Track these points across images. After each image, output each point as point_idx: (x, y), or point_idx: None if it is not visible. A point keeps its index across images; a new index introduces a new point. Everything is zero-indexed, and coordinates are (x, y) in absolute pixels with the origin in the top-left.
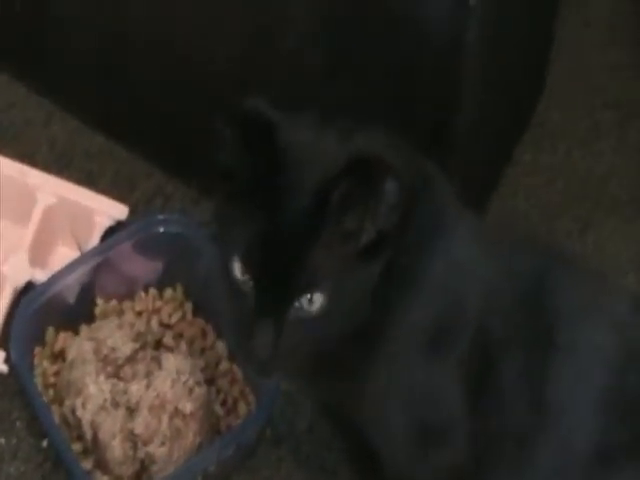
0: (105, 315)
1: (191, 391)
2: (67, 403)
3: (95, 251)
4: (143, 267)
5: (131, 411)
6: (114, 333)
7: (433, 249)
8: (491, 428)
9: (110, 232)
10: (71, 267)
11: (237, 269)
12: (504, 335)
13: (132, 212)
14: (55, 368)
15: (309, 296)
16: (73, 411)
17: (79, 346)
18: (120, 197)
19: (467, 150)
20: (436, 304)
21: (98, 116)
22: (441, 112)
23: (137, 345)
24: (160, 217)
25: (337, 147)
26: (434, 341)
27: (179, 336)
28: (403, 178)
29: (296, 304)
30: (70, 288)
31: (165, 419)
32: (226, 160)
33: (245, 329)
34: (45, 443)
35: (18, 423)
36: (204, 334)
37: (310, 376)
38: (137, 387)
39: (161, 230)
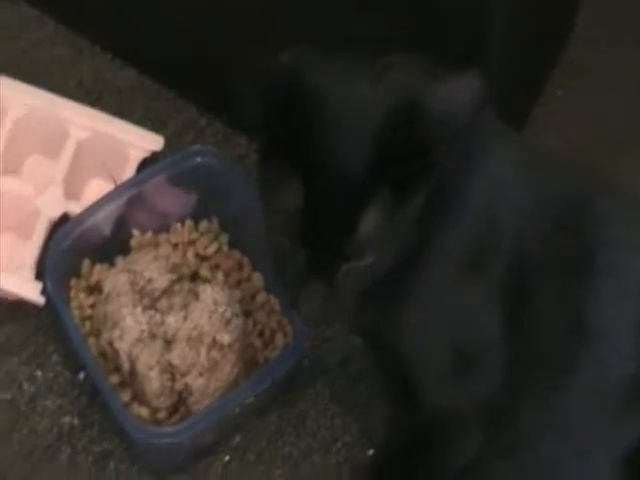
0: (141, 247)
1: (228, 322)
2: (104, 335)
3: (129, 183)
4: (178, 199)
5: (168, 343)
6: (150, 265)
7: (472, 170)
8: (527, 354)
9: (145, 164)
10: (105, 199)
11: (283, 233)
12: (542, 259)
13: (166, 147)
14: (91, 300)
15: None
16: (110, 343)
17: (115, 278)
18: (151, 132)
19: (497, 83)
20: (474, 225)
21: (129, 49)
22: (470, 43)
23: (173, 277)
24: (195, 149)
25: (373, 91)
26: (471, 263)
27: (215, 268)
28: (449, 109)
29: (346, 265)
30: (105, 220)
31: (203, 350)
32: (257, 115)
33: (294, 288)
34: (81, 376)
35: (54, 357)
36: (240, 266)
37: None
38: (174, 319)
39: (196, 161)
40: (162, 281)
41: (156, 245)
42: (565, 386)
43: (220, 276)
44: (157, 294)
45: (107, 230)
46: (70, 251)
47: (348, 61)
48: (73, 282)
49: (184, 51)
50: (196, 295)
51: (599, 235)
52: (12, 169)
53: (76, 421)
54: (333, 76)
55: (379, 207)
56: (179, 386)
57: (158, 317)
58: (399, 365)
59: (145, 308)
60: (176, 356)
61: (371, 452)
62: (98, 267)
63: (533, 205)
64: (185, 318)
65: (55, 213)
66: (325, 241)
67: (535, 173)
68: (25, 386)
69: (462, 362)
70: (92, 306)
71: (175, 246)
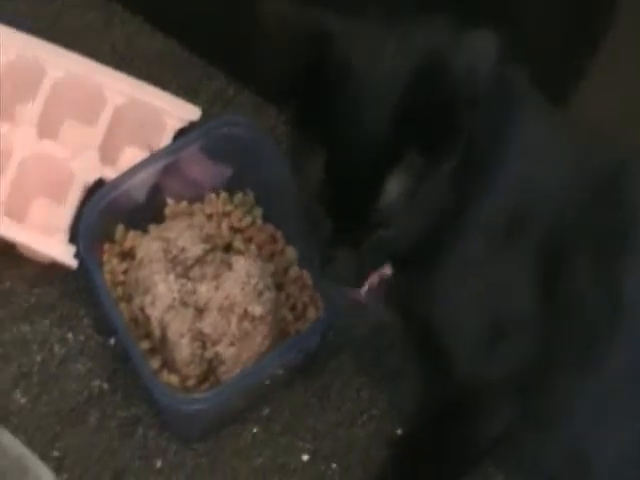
0: (175, 216)
1: (260, 294)
2: (136, 301)
3: (165, 151)
4: (212, 170)
5: (200, 311)
6: (184, 233)
7: (507, 137)
8: (561, 325)
9: (181, 134)
10: (141, 166)
11: (312, 200)
12: (579, 229)
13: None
14: (124, 266)
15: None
16: (142, 309)
17: (148, 245)
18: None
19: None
20: (510, 194)
21: (159, 16)
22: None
23: (207, 247)
24: (228, 118)
25: (398, 53)
26: (507, 231)
27: (249, 240)
28: (471, 67)
29: (371, 233)
30: (139, 187)
31: (234, 320)
32: (284, 82)
33: (324, 255)
34: (112, 341)
35: (86, 320)
36: (274, 240)
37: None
38: (206, 288)
39: (230, 132)
40: (195, 250)
41: (190, 215)
42: (600, 358)
43: (253, 248)
44: (190, 263)
45: (142, 197)
46: (104, 215)
47: (375, 22)
48: (106, 247)
49: (214, 18)
50: (229, 266)
51: (637, 205)
52: (49, 133)
53: (106, 385)
54: (358, 39)
55: (405, 172)
56: (209, 355)
57: (190, 285)
58: (431, 334)
59: (177, 276)
60: (207, 324)
61: (399, 431)
62: (132, 233)
63: (571, 174)
64: (217, 288)
65: (90, 177)
66: (349, 209)
67: (573, 141)
68: (56, 348)
69: (496, 331)
70: (124, 272)
71: (209, 217)
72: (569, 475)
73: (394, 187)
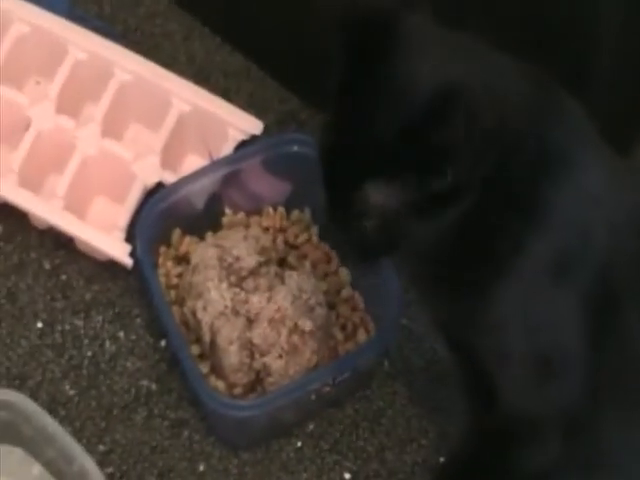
0: (232, 226)
1: (312, 310)
2: (188, 304)
3: (226, 161)
4: (272, 185)
5: (250, 321)
6: (240, 244)
7: (559, 178)
8: (612, 367)
9: (242, 146)
10: (201, 173)
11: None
12: (630, 273)
13: (265, 133)
14: (179, 270)
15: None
16: (194, 313)
17: (204, 251)
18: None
19: (607, 94)
20: (561, 233)
21: (239, 35)
22: (574, 58)
23: (261, 259)
24: (292, 136)
25: (430, 74)
26: (557, 271)
27: (303, 257)
28: (482, 117)
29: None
30: (198, 193)
31: (284, 333)
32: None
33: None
34: (163, 343)
35: (138, 320)
36: (328, 259)
37: (432, 297)
38: (258, 299)
39: (293, 150)
40: (250, 261)
41: (247, 226)
42: None
43: (307, 265)
44: (244, 273)
45: (200, 204)
46: (162, 218)
47: (434, 31)
48: (162, 250)
49: (294, 41)
50: (282, 279)
51: None
52: (113, 134)
53: (154, 386)
54: (413, 37)
55: (394, 185)
56: (257, 365)
57: (243, 295)
58: (478, 365)
59: (231, 285)
60: (257, 335)
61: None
62: (188, 238)
63: (626, 223)
64: (269, 299)
65: (151, 180)
66: (333, 187)
67: (630, 191)
68: (107, 345)
69: (542, 368)
70: (178, 276)
71: (265, 230)
72: None
73: (376, 192)
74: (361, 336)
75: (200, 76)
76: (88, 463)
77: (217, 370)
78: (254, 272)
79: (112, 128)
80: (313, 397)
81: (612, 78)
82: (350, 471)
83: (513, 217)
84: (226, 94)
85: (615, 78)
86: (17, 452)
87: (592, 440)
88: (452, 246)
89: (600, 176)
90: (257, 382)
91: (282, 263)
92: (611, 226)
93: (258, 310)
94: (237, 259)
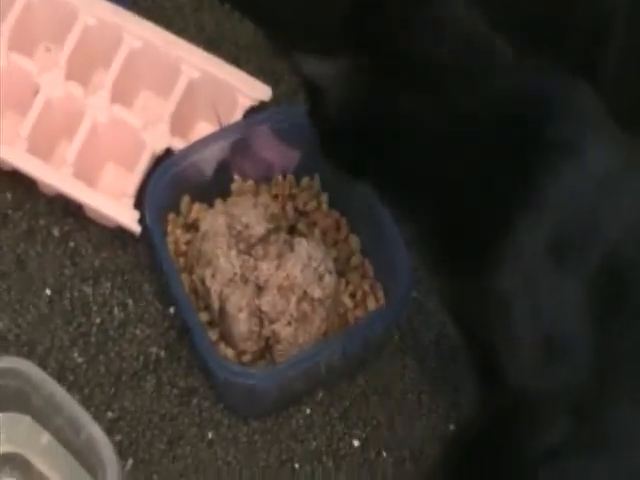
0: (241, 193)
1: (321, 278)
2: (197, 272)
3: (235, 127)
4: (281, 152)
5: (260, 289)
6: (249, 211)
7: (558, 161)
8: (621, 349)
9: (251, 113)
10: (210, 139)
11: None
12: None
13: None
14: (187, 237)
15: None
16: (202, 280)
17: (213, 218)
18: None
19: (612, 90)
20: (560, 216)
21: (247, 2)
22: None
23: (271, 226)
24: (303, 107)
25: None
26: (558, 253)
27: (313, 225)
28: None
29: None
30: (207, 160)
31: (293, 300)
32: None
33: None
34: (172, 310)
35: (147, 287)
36: (338, 226)
37: (438, 279)
38: (267, 266)
39: (304, 117)
40: (259, 228)
41: (256, 193)
42: None
43: (317, 233)
44: (253, 241)
45: (209, 171)
46: (171, 185)
47: None
48: (171, 217)
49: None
50: (291, 247)
51: None
52: (123, 101)
53: (163, 353)
54: None
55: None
56: (267, 332)
57: (252, 262)
58: (484, 342)
59: (240, 252)
60: (266, 302)
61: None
62: (197, 206)
63: (635, 208)
64: (278, 267)
65: (160, 147)
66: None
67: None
68: (115, 312)
69: (546, 348)
70: (187, 243)
71: (275, 197)
72: None
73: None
74: (371, 304)
75: (210, 46)
76: (96, 431)
77: (226, 337)
78: (263, 239)
79: (122, 95)
80: (323, 368)
81: (618, 73)
82: (359, 439)
83: (506, 200)
84: (236, 64)
85: (620, 73)
86: (26, 420)
87: (600, 421)
88: (447, 229)
89: (606, 158)
90: (266, 349)
91: (291, 230)
92: (620, 207)
93: (267, 277)
94: (246, 226)
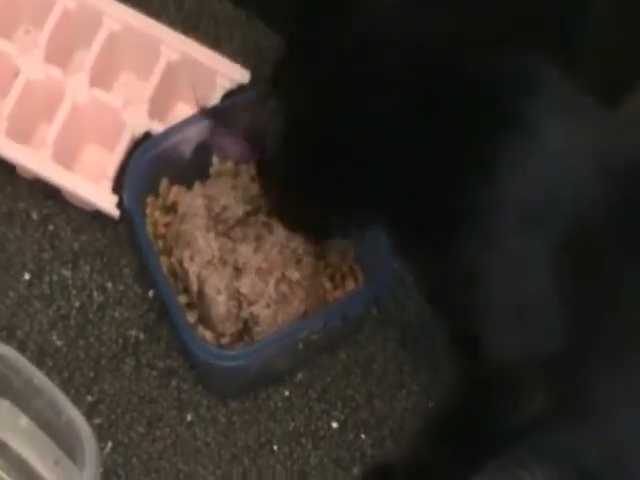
0: (220, 175)
1: (299, 260)
2: (175, 254)
3: (214, 110)
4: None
5: (238, 271)
6: (227, 193)
7: (533, 135)
8: (598, 315)
9: (230, 95)
10: (188, 122)
11: None
12: (612, 220)
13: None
14: (166, 219)
15: None
16: (181, 262)
17: (191, 200)
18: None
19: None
20: (520, 190)
21: None
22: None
23: (249, 208)
24: None
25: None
26: (521, 224)
27: None
28: None
29: None
30: (186, 142)
31: (271, 282)
32: None
33: None
34: (151, 293)
35: (126, 270)
36: None
37: (409, 257)
38: (246, 248)
39: None
40: (237, 210)
41: (235, 175)
42: (636, 356)
43: None
44: (231, 222)
45: (188, 153)
46: (150, 167)
47: None
48: (150, 200)
49: None
50: (270, 229)
51: None
52: (102, 83)
53: (142, 335)
54: None
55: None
56: (245, 314)
57: (230, 245)
58: (459, 317)
59: (218, 234)
60: (244, 284)
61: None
62: (175, 188)
63: (599, 175)
64: (256, 249)
65: (139, 129)
66: None
67: (606, 141)
68: (95, 295)
69: (518, 317)
70: (166, 225)
71: (254, 179)
72: (602, 470)
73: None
74: (350, 285)
75: (189, 23)
76: (75, 414)
77: (205, 319)
78: (242, 221)
79: (102, 77)
80: (301, 346)
81: (596, 67)
82: (338, 420)
83: (471, 174)
84: (216, 42)
85: (599, 67)
86: (4, 404)
87: (580, 389)
88: (413, 206)
89: (568, 132)
90: (245, 331)
91: (271, 212)
92: (582, 181)
93: (246, 259)
94: (224, 208)
